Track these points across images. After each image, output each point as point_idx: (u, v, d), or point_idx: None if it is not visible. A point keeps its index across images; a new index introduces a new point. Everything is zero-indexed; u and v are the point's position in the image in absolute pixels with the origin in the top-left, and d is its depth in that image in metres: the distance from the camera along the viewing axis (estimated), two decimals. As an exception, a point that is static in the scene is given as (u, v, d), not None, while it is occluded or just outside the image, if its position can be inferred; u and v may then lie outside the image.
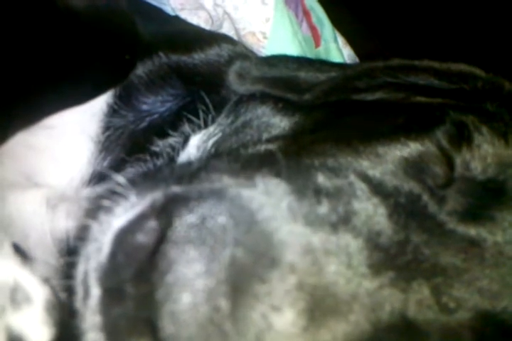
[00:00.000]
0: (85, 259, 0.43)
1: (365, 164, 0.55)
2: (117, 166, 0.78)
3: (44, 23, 0.59)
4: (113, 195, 0.42)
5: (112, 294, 0.37)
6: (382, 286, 0.40)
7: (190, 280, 0.34)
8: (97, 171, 0.79)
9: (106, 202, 0.43)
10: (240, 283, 0.34)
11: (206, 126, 0.81)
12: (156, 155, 0.78)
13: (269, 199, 0.39)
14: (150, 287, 0.35)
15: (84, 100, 0.65)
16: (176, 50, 0.84)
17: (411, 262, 0.43)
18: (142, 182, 0.43)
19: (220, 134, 0.80)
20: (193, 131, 0.80)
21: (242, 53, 0.96)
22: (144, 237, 0.37)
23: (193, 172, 0.42)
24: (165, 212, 0.37)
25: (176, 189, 0.39)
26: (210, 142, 0.79)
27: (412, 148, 0.58)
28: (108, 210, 0.42)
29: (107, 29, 0.67)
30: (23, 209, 0.77)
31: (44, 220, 0.77)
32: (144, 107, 0.78)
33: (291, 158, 0.49)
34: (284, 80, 0.87)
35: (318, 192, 0.43)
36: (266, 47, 1.08)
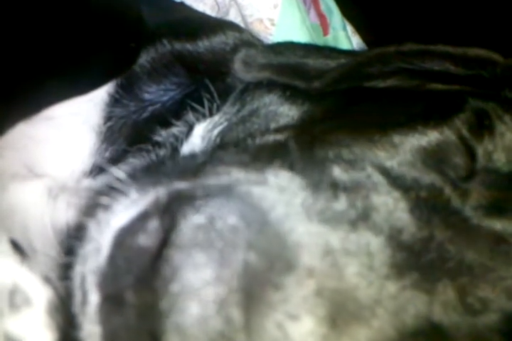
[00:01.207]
0: (82, 260, 0.40)
1: (381, 155, 0.52)
2: (119, 157, 0.75)
3: (48, 9, 0.56)
4: (111, 190, 0.39)
5: (111, 301, 0.34)
6: (406, 288, 0.37)
7: (198, 289, 0.31)
8: (98, 162, 0.77)
9: (104, 199, 0.39)
10: (254, 290, 0.31)
11: (211, 114, 0.78)
12: (158, 145, 0.75)
13: (282, 196, 0.35)
14: (153, 295, 0.32)
15: (87, 90, 0.62)
16: (179, 38, 0.80)
17: (435, 261, 0.40)
18: (143, 177, 0.40)
19: (225, 123, 0.77)
20: (198, 120, 0.77)
21: (248, 41, 0.93)
22: (145, 239, 0.34)
23: (198, 165, 0.39)
24: (168, 212, 0.34)
25: (180, 185, 0.36)
26: (215, 131, 0.76)
27: (430, 138, 0.55)
28: (106, 208, 0.39)
29: (112, 16, 0.64)
30: (23, 201, 0.75)
31: (44, 211, 0.75)
32: (147, 96, 0.75)
33: (304, 149, 0.45)
34: (291, 67, 0.84)
35: (335, 186, 0.40)
36: (274, 35, 1.05)
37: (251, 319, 0.31)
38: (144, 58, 0.74)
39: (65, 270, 0.52)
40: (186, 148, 0.75)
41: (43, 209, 0.75)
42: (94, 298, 0.35)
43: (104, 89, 0.72)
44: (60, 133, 0.76)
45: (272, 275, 0.32)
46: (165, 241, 0.33)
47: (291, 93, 0.78)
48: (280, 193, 0.36)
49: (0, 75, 0.49)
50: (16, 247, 0.43)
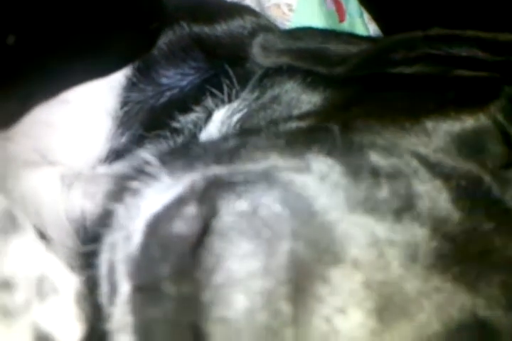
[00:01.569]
0: (110, 248, 0.38)
1: (415, 142, 0.50)
2: (136, 143, 0.73)
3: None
4: (140, 174, 0.37)
5: (145, 292, 0.32)
6: (450, 281, 0.35)
7: (244, 280, 0.29)
8: (114, 148, 0.75)
9: (132, 184, 0.37)
10: (301, 282, 0.29)
11: (230, 101, 0.76)
12: (176, 131, 0.73)
13: (324, 183, 0.33)
14: (194, 286, 0.30)
15: (106, 73, 0.59)
16: (198, 21, 0.78)
17: (480, 254, 0.38)
18: (174, 161, 0.38)
19: (245, 110, 0.75)
20: (217, 106, 0.75)
21: (266, 26, 0.91)
22: (182, 227, 0.32)
23: (231, 150, 0.37)
24: (207, 198, 0.32)
25: (217, 170, 0.34)
26: (235, 118, 0.74)
27: (465, 124, 0.53)
28: (136, 193, 0.36)
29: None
30: (36, 188, 0.73)
31: (59, 200, 0.73)
32: (164, 81, 0.73)
33: (338, 136, 0.43)
34: (312, 52, 0.82)
35: (376, 174, 0.38)
36: (292, 21, 1.03)
37: (299, 312, 0.29)
38: (162, 41, 0.71)
39: (87, 259, 0.51)
40: (204, 135, 0.73)
41: (57, 197, 0.73)
42: (125, 287, 0.33)
43: (122, 72, 0.70)
44: (74, 118, 0.74)
45: (319, 267, 0.30)
46: (205, 229, 0.31)
47: (312, 79, 0.76)
48: (322, 181, 0.34)
49: (16, 57, 0.47)
50: (41, 234, 0.41)
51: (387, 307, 0.31)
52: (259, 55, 0.81)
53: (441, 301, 0.34)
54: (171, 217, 0.33)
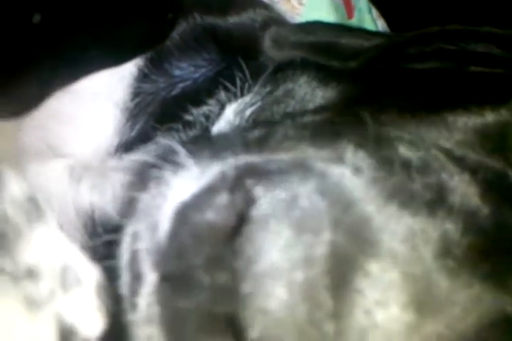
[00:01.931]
0: (133, 238, 0.37)
1: (438, 136, 0.49)
2: (146, 136, 0.72)
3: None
4: (165, 163, 0.36)
5: (175, 282, 0.31)
6: (482, 277, 0.35)
7: (285, 270, 0.28)
8: (123, 141, 0.74)
9: (158, 172, 0.36)
10: (342, 274, 0.28)
11: (242, 94, 0.75)
12: (189, 124, 0.72)
13: (359, 175, 0.33)
14: (231, 276, 0.29)
15: (121, 61, 0.58)
16: (211, 12, 0.77)
17: (508, 251, 0.37)
18: (200, 150, 0.37)
19: (258, 104, 0.74)
20: (229, 100, 0.74)
21: (277, 19, 0.90)
22: (215, 215, 0.31)
23: (259, 139, 0.36)
24: (240, 186, 0.31)
25: (249, 159, 0.33)
26: (248, 112, 0.73)
27: (487, 119, 0.52)
28: (161, 181, 0.35)
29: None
30: (44, 181, 0.72)
31: (67, 192, 0.72)
32: (177, 72, 0.72)
33: (364, 128, 0.42)
34: (325, 46, 0.81)
35: (407, 166, 0.37)
36: (302, 15, 1.02)
37: (340, 305, 0.28)
38: (176, 32, 0.70)
39: (102, 250, 0.50)
40: (216, 128, 0.72)
41: (65, 190, 0.72)
42: (151, 277, 0.32)
43: (134, 62, 0.69)
44: (83, 109, 0.73)
45: (359, 259, 0.29)
46: (242, 218, 0.30)
47: (326, 73, 0.75)
48: (357, 172, 0.33)
49: (39, 38, 0.46)
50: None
51: (422, 301, 0.31)
52: (271, 49, 0.80)
53: (471, 297, 0.34)
54: (201, 205, 0.32)
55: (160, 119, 0.72)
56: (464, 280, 0.34)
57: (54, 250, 0.29)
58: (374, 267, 0.30)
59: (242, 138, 0.39)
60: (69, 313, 0.28)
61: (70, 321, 0.28)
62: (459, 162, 0.44)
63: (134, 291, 0.34)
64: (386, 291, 0.29)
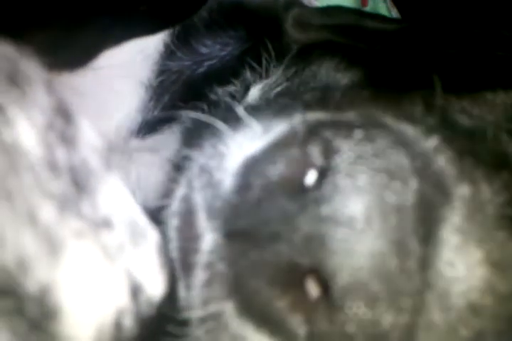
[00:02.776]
0: (184, 201, 0.35)
1: (484, 112, 0.49)
2: (170, 115, 0.71)
3: None
4: (225, 121, 0.35)
5: (243, 236, 0.30)
6: None
7: (377, 217, 0.27)
8: (146, 120, 0.72)
9: (210, 131, 0.35)
10: (429, 223, 0.27)
11: (267, 75, 0.74)
12: (213, 103, 0.70)
13: (432, 134, 0.31)
14: (316, 225, 0.27)
15: (144, 33, 0.56)
16: (237, -11, 0.76)
17: None
18: (258, 110, 0.35)
19: (284, 85, 0.72)
20: (254, 80, 0.73)
21: (298, 1, 0.89)
22: (288, 168, 0.29)
23: (319, 99, 0.35)
24: (319, 138, 0.29)
25: (317, 115, 0.32)
26: (272, 93, 0.71)
27: None
28: (218, 140, 0.34)
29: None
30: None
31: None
32: (203, 50, 0.70)
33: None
34: (351, 29, 0.80)
35: (470, 132, 0.36)
36: (320, 1, 1.01)
37: (427, 254, 0.27)
38: (203, 8, 0.69)
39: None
40: (241, 109, 0.70)
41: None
42: (211, 236, 0.31)
43: (160, 37, 0.67)
44: (105, 86, 0.71)
45: (444, 209, 0.28)
46: (323, 168, 0.28)
47: (351, 55, 0.74)
48: (429, 132, 0.32)
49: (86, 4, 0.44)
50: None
51: (499, 259, 0.30)
52: (294, 30, 0.79)
53: None
54: (272, 159, 0.31)
55: (184, 98, 0.70)
56: None
57: (124, 203, 0.27)
58: (457, 218, 0.29)
59: (300, 99, 0.37)
60: (137, 270, 0.27)
61: (138, 278, 0.27)
62: (510, 133, 0.43)
63: (189, 253, 0.33)
64: (466, 244, 0.29)
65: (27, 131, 0.23)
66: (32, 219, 0.21)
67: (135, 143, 0.71)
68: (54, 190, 0.23)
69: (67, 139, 0.25)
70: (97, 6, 0.55)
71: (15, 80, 0.24)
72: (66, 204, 0.23)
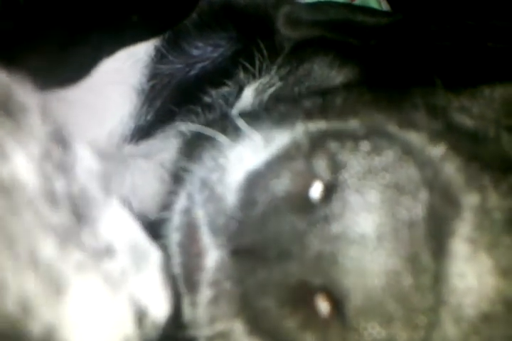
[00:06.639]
0: (185, 214, 0.34)
1: (482, 108, 0.48)
2: (163, 120, 0.70)
3: None
4: (224, 133, 0.34)
5: (250, 254, 0.29)
6: None
7: (389, 233, 0.26)
8: (139, 126, 0.71)
9: (209, 142, 0.34)
10: (440, 236, 0.26)
11: (261, 75, 0.73)
12: (208, 106, 0.69)
13: (437, 141, 0.31)
14: (328, 244, 0.26)
15: (135, 41, 0.55)
16: (226, -11, 0.74)
17: None
18: (256, 119, 0.34)
19: (277, 84, 0.71)
20: (248, 81, 0.72)
21: (288, -1, 0.88)
22: (294, 182, 0.28)
23: (319, 106, 0.34)
24: (324, 151, 0.28)
25: (319, 125, 0.31)
26: (267, 93, 0.70)
27: None
28: (217, 153, 0.33)
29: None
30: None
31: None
32: (195, 52, 0.69)
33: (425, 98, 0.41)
34: (342, 24, 0.79)
35: (473, 135, 0.35)
36: (307, -4, 1.00)
37: (439, 268, 0.27)
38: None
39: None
40: (236, 110, 0.69)
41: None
42: (216, 253, 0.30)
43: (151, 43, 0.66)
44: (95, 93, 0.70)
45: (454, 221, 0.27)
46: (331, 183, 0.27)
47: (345, 52, 0.73)
48: (434, 138, 0.31)
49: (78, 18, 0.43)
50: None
51: (506, 262, 0.29)
52: (285, 27, 0.78)
53: None
54: (277, 173, 0.30)
55: (177, 101, 0.69)
56: None
57: (124, 226, 0.26)
58: (466, 229, 0.28)
59: (299, 106, 0.36)
60: (141, 294, 0.26)
61: (142, 302, 0.26)
62: (509, 130, 0.42)
63: (193, 270, 0.32)
64: (476, 253, 0.28)
65: (24, 164, 0.22)
66: (33, 259, 0.20)
67: (129, 149, 0.70)
68: (54, 222, 0.22)
69: (65, 167, 0.24)
70: (90, 21, 0.54)
71: (8, 110, 0.23)
72: (67, 237, 0.22)
